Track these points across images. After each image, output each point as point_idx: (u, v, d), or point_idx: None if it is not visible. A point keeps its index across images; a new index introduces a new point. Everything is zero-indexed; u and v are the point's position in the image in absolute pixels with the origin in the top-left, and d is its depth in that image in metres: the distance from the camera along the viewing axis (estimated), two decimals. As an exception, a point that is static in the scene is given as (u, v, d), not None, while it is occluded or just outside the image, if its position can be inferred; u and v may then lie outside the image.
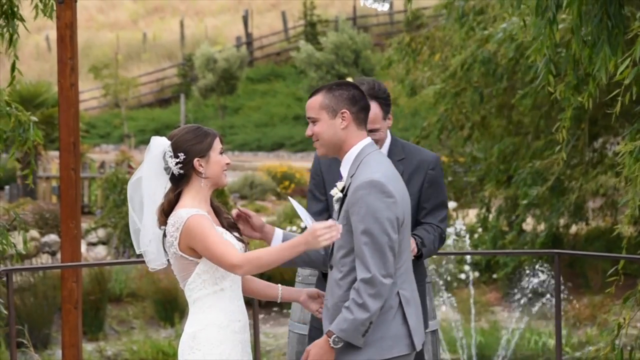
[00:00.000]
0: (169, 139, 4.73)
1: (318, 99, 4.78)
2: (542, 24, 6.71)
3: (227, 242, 4.63)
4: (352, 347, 4.63)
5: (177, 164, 4.68)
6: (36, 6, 8.22)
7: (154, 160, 4.73)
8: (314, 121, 4.78)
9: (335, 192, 4.83)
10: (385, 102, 5.50)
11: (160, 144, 4.73)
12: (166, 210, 4.69)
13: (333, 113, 4.74)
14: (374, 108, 5.37)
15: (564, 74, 7.56)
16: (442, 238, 5.54)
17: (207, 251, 4.58)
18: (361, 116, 4.78)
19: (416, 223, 5.52)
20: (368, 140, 4.79)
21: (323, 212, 5.62)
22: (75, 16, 8.44)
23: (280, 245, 4.66)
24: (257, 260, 4.54)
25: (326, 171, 5.63)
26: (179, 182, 4.72)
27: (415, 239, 5.41)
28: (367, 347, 4.62)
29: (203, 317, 4.66)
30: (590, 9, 6.52)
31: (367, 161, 4.71)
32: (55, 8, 8.33)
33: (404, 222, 4.67)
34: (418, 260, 5.43)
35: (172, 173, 4.71)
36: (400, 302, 4.70)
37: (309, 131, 4.88)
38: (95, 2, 49.19)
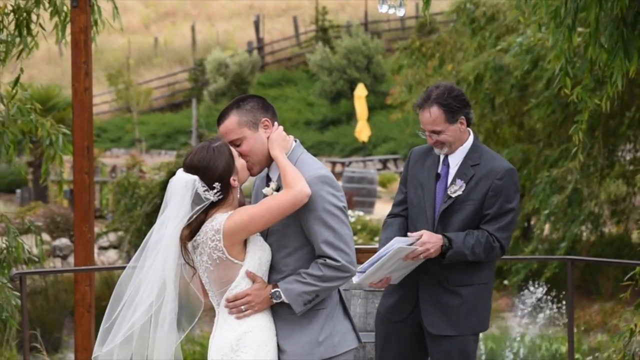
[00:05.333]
0: (192, 171, 4.55)
1: (233, 119, 4.63)
2: (560, 31, 6.71)
3: (273, 196, 4.59)
4: (305, 348, 4.59)
5: (216, 193, 4.54)
6: (56, 12, 8.17)
7: (182, 203, 4.54)
8: (239, 143, 4.63)
9: (269, 191, 4.74)
10: (450, 106, 5.49)
11: (183, 184, 4.54)
12: (194, 230, 4.57)
13: (255, 126, 4.64)
14: (434, 111, 5.48)
15: (581, 78, 7.55)
16: (493, 246, 5.51)
17: (272, 211, 4.50)
18: (275, 119, 4.72)
19: (477, 229, 5.57)
20: (294, 142, 4.74)
21: (402, 203, 5.72)
22: (89, 20, 8.42)
23: (284, 168, 4.61)
24: (302, 176, 4.53)
25: (412, 165, 5.68)
26: (217, 204, 4.58)
27: (443, 237, 5.46)
28: (318, 347, 4.60)
29: (250, 319, 4.61)
30: (608, 14, 6.52)
31: (304, 160, 4.67)
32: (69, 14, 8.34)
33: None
34: (443, 258, 5.47)
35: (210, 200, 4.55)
36: (340, 298, 4.73)
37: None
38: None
